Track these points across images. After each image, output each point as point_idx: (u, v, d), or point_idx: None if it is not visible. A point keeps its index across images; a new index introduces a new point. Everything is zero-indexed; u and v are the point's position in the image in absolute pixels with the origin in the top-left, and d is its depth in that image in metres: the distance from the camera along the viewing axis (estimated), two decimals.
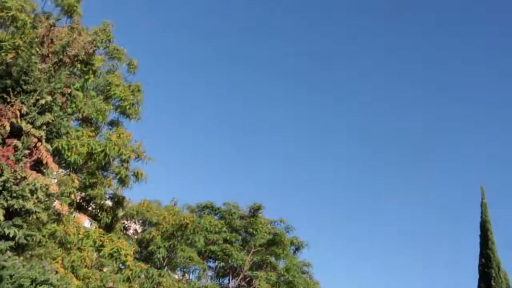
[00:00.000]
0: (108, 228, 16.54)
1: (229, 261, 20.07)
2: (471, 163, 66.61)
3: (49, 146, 9.61)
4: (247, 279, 20.45)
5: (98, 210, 17.26)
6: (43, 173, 9.15)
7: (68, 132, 11.74)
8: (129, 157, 15.01)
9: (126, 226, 19.22)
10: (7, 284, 6.08)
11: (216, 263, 21.24)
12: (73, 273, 12.38)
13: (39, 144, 9.12)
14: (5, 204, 7.85)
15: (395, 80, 72.35)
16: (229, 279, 21.12)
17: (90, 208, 17.57)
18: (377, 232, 67.79)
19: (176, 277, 18.67)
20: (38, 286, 6.48)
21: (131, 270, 14.28)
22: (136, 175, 15.48)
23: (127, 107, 15.63)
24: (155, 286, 15.79)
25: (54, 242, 12.60)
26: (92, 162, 14.67)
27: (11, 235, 7.70)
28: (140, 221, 19.33)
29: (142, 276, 16.14)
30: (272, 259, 20.72)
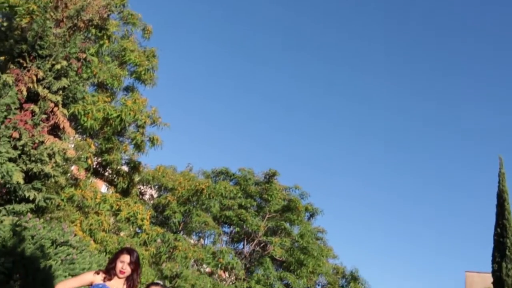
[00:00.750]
0: (125, 193, 16.77)
1: (244, 227, 20.32)
2: (489, 133, 65.75)
3: (65, 111, 9.66)
4: (262, 245, 20.74)
5: (115, 175, 17.48)
6: (60, 138, 9.23)
7: (84, 97, 11.78)
8: (144, 122, 15.08)
9: (142, 191, 19.47)
10: (29, 244, 6.23)
11: (231, 228, 21.53)
12: (90, 236, 12.66)
13: (55, 109, 9.17)
14: (24, 168, 7.96)
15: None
16: (243, 244, 21.44)
17: (106, 174, 17.80)
18: (391, 201, 67.89)
19: (192, 241, 18.99)
20: (58, 247, 6.63)
21: (147, 234, 14.55)
22: (152, 141, 15.60)
23: (142, 72, 15.62)
24: (171, 250, 16.10)
25: (72, 206, 12.85)
26: (108, 128, 14.77)
27: (31, 198, 7.85)
28: (156, 187, 19.55)
29: (158, 240, 16.44)
30: (287, 225, 20.91)
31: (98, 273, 4.30)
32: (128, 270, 4.26)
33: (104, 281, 4.23)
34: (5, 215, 7.21)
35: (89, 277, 4.28)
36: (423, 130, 68.15)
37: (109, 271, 4.29)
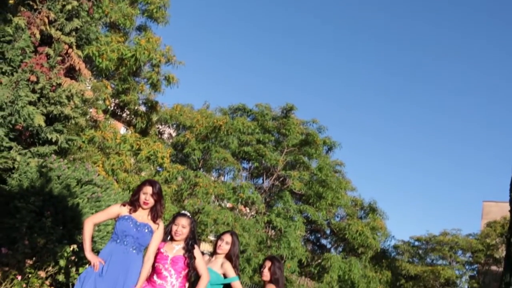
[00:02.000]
0: (143, 133, 16.99)
1: (263, 162, 20.57)
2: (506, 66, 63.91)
3: (80, 53, 9.61)
4: (281, 179, 21.07)
5: (133, 116, 17.65)
6: (76, 80, 9.25)
7: (97, 38, 11.68)
8: (159, 61, 15.00)
9: (161, 130, 19.68)
10: (56, 184, 6.43)
11: (250, 164, 21.82)
12: (113, 176, 12.99)
13: (70, 50, 9.12)
14: (45, 111, 8.06)
15: None
16: (263, 179, 21.81)
17: (124, 115, 17.98)
18: (408, 133, 67.58)
19: (212, 178, 19.36)
20: (83, 186, 6.84)
21: (168, 172, 14.86)
22: (168, 79, 15.59)
23: (154, 10, 15.35)
24: (192, 187, 16.47)
25: (94, 147, 13.10)
26: (123, 68, 14.75)
27: (53, 140, 8.00)
28: (174, 125, 19.71)
29: (179, 178, 16.81)
30: (305, 159, 21.09)
31: (124, 205, 4.45)
32: (151, 201, 4.38)
33: (130, 212, 4.38)
34: (30, 157, 7.39)
35: (116, 209, 4.43)
36: (441, 63, 66.54)
37: (134, 203, 4.43)
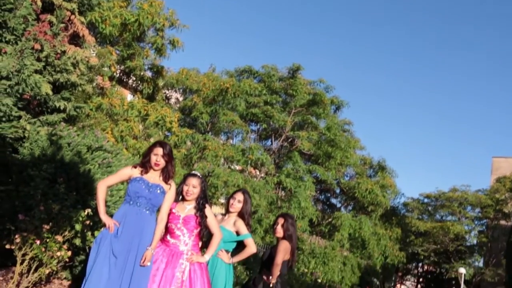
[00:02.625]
0: (150, 98, 16.97)
1: (271, 123, 20.56)
2: None
3: (83, 19, 9.51)
4: (289, 140, 21.10)
5: (139, 82, 17.60)
6: (81, 47, 9.18)
7: (99, 4, 11.54)
8: (163, 25, 14.83)
9: (168, 95, 19.64)
10: (66, 151, 6.48)
11: (258, 126, 21.82)
12: (122, 143, 13.05)
13: (72, 17, 9.02)
14: (51, 79, 8.04)
15: None
16: (271, 141, 21.86)
17: (130, 81, 17.92)
18: (416, 92, 66.92)
19: (220, 141, 19.42)
20: (94, 152, 6.90)
21: (177, 136, 14.89)
22: (172, 43, 15.45)
23: None
24: (201, 150, 16.55)
25: (102, 114, 13.13)
26: (127, 34, 14.62)
27: (61, 108, 8.03)
28: (181, 90, 19.65)
29: (188, 142, 16.88)
30: (313, 119, 21.03)
31: (135, 167, 4.49)
32: (162, 162, 4.42)
33: (141, 174, 4.43)
34: (40, 126, 7.43)
35: (127, 171, 4.48)
36: (450, 22, 65.08)
37: (145, 165, 4.47)
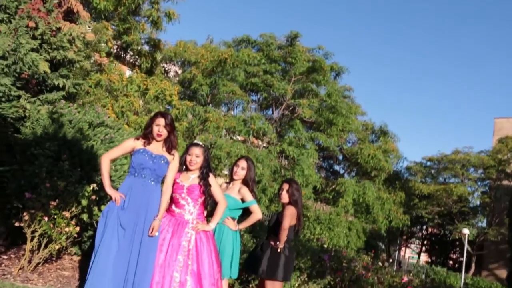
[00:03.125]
0: (149, 73, 16.87)
1: (271, 92, 20.47)
2: None
3: None
4: (290, 108, 21.04)
5: (137, 57, 17.45)
6: (76, 23, 9.08)
7: None
8: None
9: (166, 69, 19.51)
10: (68, 128, 6.48)
11: (258, 95, 21.75)
12: (123, 118, 13.03)
13: None
14: (48, 57, 7.98)
15: None
16: (272, 110, 21.80)
17: (128, 57, 17.78)
18: (416, 56, 66.21)
19: (221, 112, 19.39)
20: (95, 128, 6.90)
21: (177, 109, 14.86)
22: (168, 15, 15.27)
23: None
24: (203, 122, 16.54)
25: (101, 90, 13.08)
26: (122, 8, 14.43)
27: (60, 86, 7.99)
28: (179, 63, 19.51)
29: (189, 115, 16.85)
30: (313, 86, 20.92)
31: (137, 139, 4.49)
32: (164, 132, 4.42)
33: (144, 145, 4.43)
34: (40, 105, 7.40)
35: (130, 143, 4.47)
36: None
37: (147, 136, 4.47)
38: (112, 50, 15.85)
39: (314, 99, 20.62)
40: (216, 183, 4.67)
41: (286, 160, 20.84)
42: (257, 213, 5.02)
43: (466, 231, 24.52)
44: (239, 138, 19.44)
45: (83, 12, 9.40)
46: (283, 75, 21.08)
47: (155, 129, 4.41)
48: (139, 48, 16.83)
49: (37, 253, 5.11)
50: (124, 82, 14.22)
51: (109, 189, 4.28)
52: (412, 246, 43.98)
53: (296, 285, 7.42)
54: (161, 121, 4.42)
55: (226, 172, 17.39)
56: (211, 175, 4.63)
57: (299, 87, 20.70)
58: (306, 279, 7.48)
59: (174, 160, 4.46)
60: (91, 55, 11.83)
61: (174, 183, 4.49)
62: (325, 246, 10.00)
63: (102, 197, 5.77)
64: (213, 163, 15.37)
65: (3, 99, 6.66)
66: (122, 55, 17.49)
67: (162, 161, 4.38)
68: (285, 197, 4.99)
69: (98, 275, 4.00)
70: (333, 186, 22.27)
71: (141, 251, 4.13)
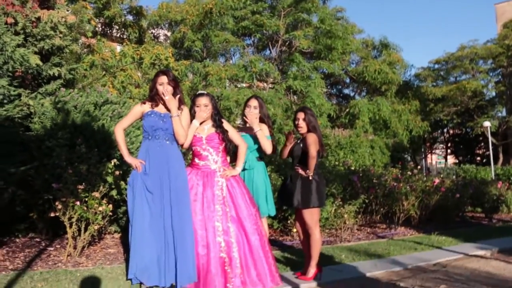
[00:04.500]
0: (140, 42, 16.65)
1: (264, 32, 20.08)
2: None
3: None
4: (287, 43, 20.67)
5: (123, 29, 17.18)
6: (53, 8, 8.90)
7: None
8: None
9: (155, 34, 19.22)
10: (75, 114, 6.49)
11: (252, 38, 21.37)
12: (125, 93, 12.97)
13: None
14: (36, 49, 7.88)
15: None
16: (269, 49, 21.46)
17: (114, 32, 17.50)
18: None
19: (220, 64, 19.16)
20: (101, 107, 6.88)
21: (176, 70, 14.72)
22: None
23: None
24: (204, 78, 16.39)
25: (97, 70, 12.98)
26: None
27: (56, 75, 7.93)
28: (166, 25, 19.17)
29: (190, 74, 16.70)
30: (304, 15, 20.44)
31: (144, 103, 4.46)
32: (169, 89, 4.37)
33: (152, 108, 4.42)
34: (42, 98, 7.39)
35: (138, 109, 4.45)
36: None
37: (153, 98, 4.44)
38: (97, 28, 15.61)
39: (308, 28, 20.19)
40: (231, 127, 4.68)
41: (295, 96, 20.72)
42: (270, 146, 5.04)
43: (487, 124, 24.42)
44: (244, 85, 19.30)
45: None
46: (272, 12, 20.57)
47: (160, 88, 4.37)
48: (123, 20, 16.53)
49: (80, 238, 5.24)
50: (118, 57, 14.08)
51: (128, 158, 4.31)
52: (437, 151, 44.12)
53: (333, 210, 7.54)
54: (163, 78, 4.37)
55: (239, 121, 17.39)
56: (224, 120, 4.63)
57: (291, 20, 20.24)
58: (340, 203, 7.59)
59: (183, 113, 4.43)
60: (77, 38, 11.65)
61: (192, 137, 4.51)
62: (352, 168, 10.07)
63: (126, 171, 5.84)
64: (224, 115, 15.32)
65: (5, 101, 6.65)
66: (108, 32, 17.23)
67: (167, 118, 4.35)
68: (303, 126, 4.95)
69: (138, 242, 4.10)
70: (347, 110, 22.18)
71: (173, 210, 4.18)
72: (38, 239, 5.88)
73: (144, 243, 4.10)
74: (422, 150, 38.03)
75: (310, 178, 4.75)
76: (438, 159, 49.55)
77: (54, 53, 8.32)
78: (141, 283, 4.15)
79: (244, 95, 15.40)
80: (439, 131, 37.75)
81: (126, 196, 4.99)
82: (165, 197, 4.20)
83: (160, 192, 4.20)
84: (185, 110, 4.47)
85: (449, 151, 38.72)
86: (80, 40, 12.72)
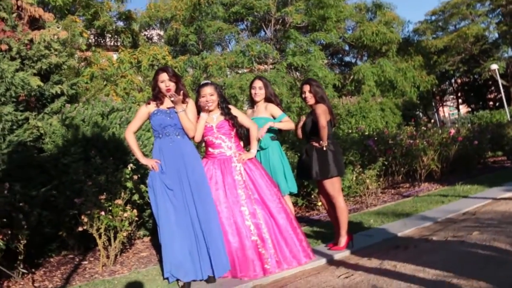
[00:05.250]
0: (135, 47, 16.65)
1: (255, 14, 19.89)
2: None
3: (30, 0, 9.13)
4: (280, 21, 20.46)
5: (116, 36, 17.19)
6: (43, 28, 8.92)
7: None
8: None
9: (148, 35, 19.21)
10: (84, 128, 6.52)
11: (245, 23, 21.24)
12: (129, 99, 13.00)
13: (19, 2, 8.69)
14: (34, 71, 7.91)
15: None
16: (264, 30, 21.31)
17: (107, 41, 17.52)
18: None
19: (218, 53, 19.10)
20: (108, 116, 6.92)
21: (175, 67, 14.73)
22: None
23: None
24: (204, 70, 16.36)
25: (98, 80, 13.03)
26: None
27: (58, 92, 7.97)
28: (158, 25, 19.15)
29: (189, 69, 16.69)
30: None
31: (149, 103, 4.47)
32: (172, 84, 4.36)
33: (158, 106, 4.42)
34: (49, 118, 7.44)
35: (144, 110, 4.45)
36: None
37: (157, 96, 4.43)
38: (90, 40, 15.64)
39: (299, 2, 19.96)
40: (239, 112, 4.67)
41: (297, 72, 20.60)
42: (290, 123, 5.09)
43: (494, 66, 24.05)
44: (245, 70, 19.22)
45: (46, 14, 9.19)
46: None
47: (162, 85, 4.37)
48: (114, 27, 16.54)
49: (111, 247, 5.31)
50: (115, 65, 14.12)
51: (143, 159, 4.34)
52: (448, 103, 43.69)
53: (354, 178, 7.54)
54: (163, 76, 4.36)
55: (246, 107, 17.38)
56: (231, 106, 4.62)
57: None
58: (360, 169, 7.58)
59: (189, 105, 4.43)
60: (73, 53, 11.69)
61: (203, 129, 4.51)
62: (366, 133, 10.03)
63: (143, 174, 5.88)
64: (231, 103, 15.32)
65: (14, 127, 6.71)
66: (102, 41, 17.26)
67: (174, 114, 4.35)
68: (310, 98, 4.92)
69: (168, 240, 4.13)
70: (351, 77, 22.01)
71: (197, 203, 4.20)
72: (71, 256, 5.97)
73: (174, 240, 4.14)
74: (433, 104, 37.69)
75: (325, 148, 4.73)
76: (451, 110, 49.06)
77: (53, 71, 8.35)
78: (178, 280, 4.20)
79: (247, 80, 15.35)
80: (447, 83, 37.32)
81: (148, 198, 5.03)
82: (185, 191, 4.22)
83: (180, 186, 4.23)
84: (191, 102, 4.47)
85: (460, 101, 38.30)
86: (76, 55, 12.76)
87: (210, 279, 4.17)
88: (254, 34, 22.07)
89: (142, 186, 5.82)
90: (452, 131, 9.88)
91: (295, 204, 7.45)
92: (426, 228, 5.55)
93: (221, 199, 4.32)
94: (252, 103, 5.23)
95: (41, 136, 7.05)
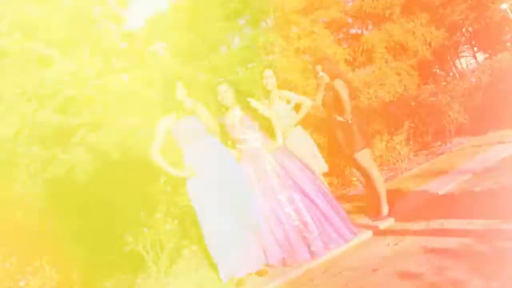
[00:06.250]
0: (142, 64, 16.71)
1: (253, 6, 19.75)
2: None
3: None
4: (278, 8, 20.31)
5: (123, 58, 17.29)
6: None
7: None
8: None
9: (153, 50, 19.26)
10: (110, 151, 6.64)
11: (244, 17, 21.10)
12: None
13: None
14: (52, 107, 8.09)
15: None
16: (264, 21, 21.14)
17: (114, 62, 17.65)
18: None
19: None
20: (132, 135, 7.02)
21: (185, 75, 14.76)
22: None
23: None
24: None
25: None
26: None
27: (79, 122, 8.11)
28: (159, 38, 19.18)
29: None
30: None
31: (166, 117, 4.50)
32: (184, 92, 4.47)
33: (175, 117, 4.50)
34: (75, 148, 7.59)
35: (163, 124, 4.45)
36: None
37: (171, 108, 4.49)
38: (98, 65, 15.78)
39: None
40: (258, 104, 4.70)
41: (306, 56, 20.38)
42: (306, 101, 5.12)
43: (504, 6, 23.32)
44: (254, 64, 19.11)
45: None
46: None
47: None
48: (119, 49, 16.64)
49: (160, 261, 5.38)
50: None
51: (178, 172, 4.37)
52: (464, 53, 42.69)
53: (383, 146, 7.47)
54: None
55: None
56: (250, 100, 4.66)
57: None
58: (388, 137, 7.50)
59: (200, 109, 4.46)
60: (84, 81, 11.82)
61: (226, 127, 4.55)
62: (387, 100, 9.91)
63: (176, 184, 5.90)
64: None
65: (44, 165, 6.85)
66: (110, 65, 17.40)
67: (195, 118, 4.40)
68: (325, 77, 4.90)
69: (216, 241, 4.20)
70: (360, 48, 21.66)
71: (238, 200, 4.26)
72: (123, 277, 6.06)
73: (221, 240, 4.19)
74: (448, 58, 36.89)
75: (350, 121, 4.70)
76: (467, 61, 47.94)
77: (69, 103, 8.48)
78: (232, 277, 4.25)
79: (258, 73, 15.25)
80: (458, 34, 36.43)
81: (186, 207, 5.08)
82: (224, 190, 4.26)
83: (218, 185, 4.28)
84: (199, 106, 4.48)
85: (475, 49, 37.35)
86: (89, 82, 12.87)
87: (263, 271, 4.21)
88: (256, 27, 21.92)
89: (177, 198, 5.87)
90: (472, 79, 9.66)
91: (330, 184, 7.42)
92: (466, 181, 5.45)
93: (256, 190, 4.36)
94: (266, 93, 5.25)
95: (72, 168, 7.17)
